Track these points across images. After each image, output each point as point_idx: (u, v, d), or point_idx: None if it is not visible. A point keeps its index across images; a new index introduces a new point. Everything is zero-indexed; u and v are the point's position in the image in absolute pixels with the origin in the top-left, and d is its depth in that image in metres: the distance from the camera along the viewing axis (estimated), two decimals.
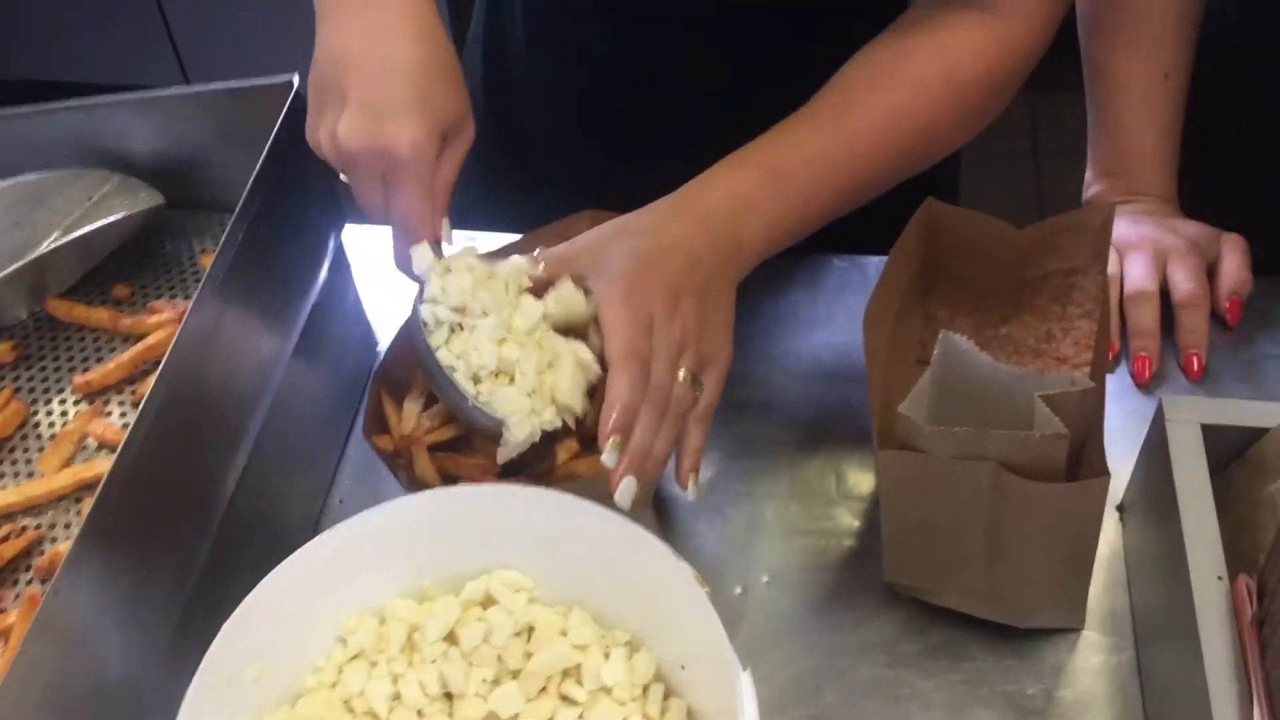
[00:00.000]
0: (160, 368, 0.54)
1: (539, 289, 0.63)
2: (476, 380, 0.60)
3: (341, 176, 0.64)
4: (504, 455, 0.60)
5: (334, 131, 0.62)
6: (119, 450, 0.51)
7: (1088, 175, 0.89)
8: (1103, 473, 0.57)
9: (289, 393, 0.68)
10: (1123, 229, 0.82)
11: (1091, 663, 0.66)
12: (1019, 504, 0.59)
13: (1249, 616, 0.55)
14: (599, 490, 0.59)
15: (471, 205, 0.87)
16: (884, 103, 0.69)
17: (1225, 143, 0.90)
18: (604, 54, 0.85)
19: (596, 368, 0.61)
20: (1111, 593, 0.68)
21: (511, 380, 0.59)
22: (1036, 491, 0.58)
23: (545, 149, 0.94)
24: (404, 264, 0.64)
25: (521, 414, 0.58)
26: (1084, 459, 0.60)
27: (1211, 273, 0.80)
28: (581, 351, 0.61)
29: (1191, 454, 0.62)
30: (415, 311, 0.62)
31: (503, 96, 0.93)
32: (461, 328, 0.61)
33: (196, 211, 0.76)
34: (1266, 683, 0.53)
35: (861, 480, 0.74)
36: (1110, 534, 0.71)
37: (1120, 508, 0.72)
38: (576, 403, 0.60)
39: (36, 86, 2.63)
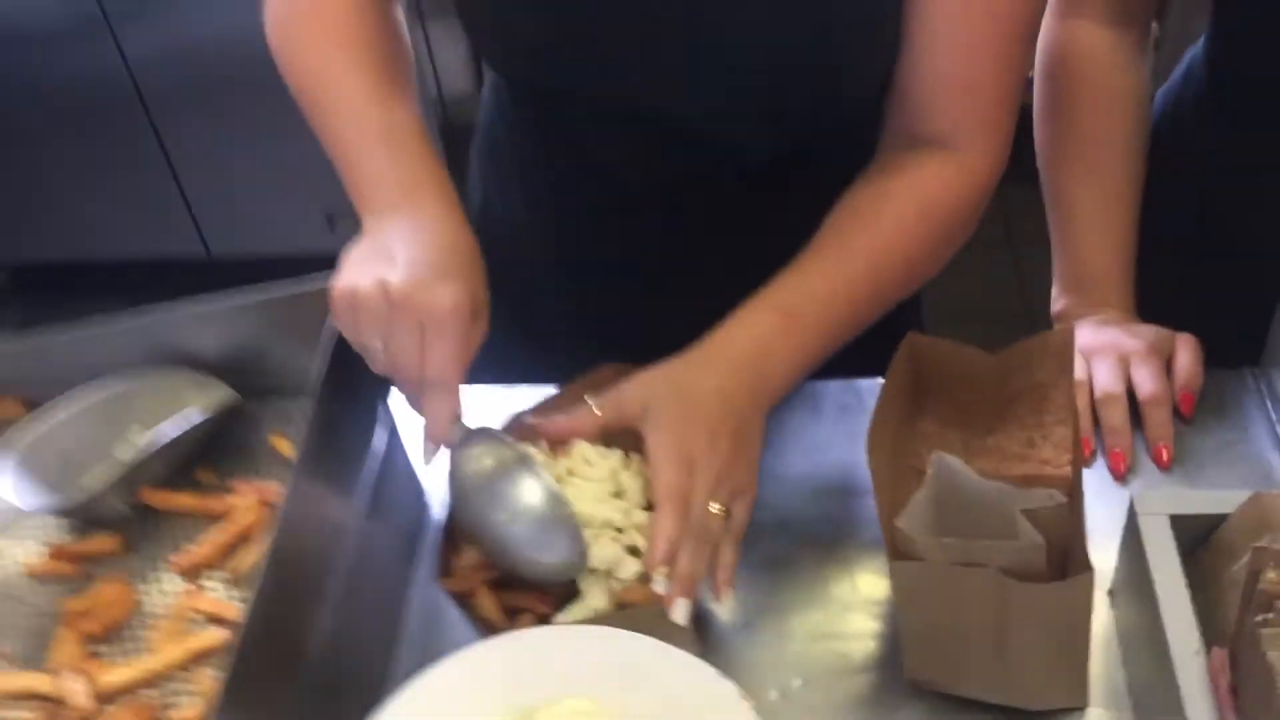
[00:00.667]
0: (270, 548, 0.63)
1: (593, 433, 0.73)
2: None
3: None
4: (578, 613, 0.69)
5: (386, 283, 0.68)
6: (245, 623, 0.59)
7: (1054, 290, 0.99)
8: (1086, 569, 0.66)
9: (359, 552, 0.76)
10: (1087, 337, 0.92)
11: None
12: (1017, 602, 0.67)
13: (1225, 684, 0.63)
14: (651, 616, 0.67)
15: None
16: (871, 243, 0.79)
17: (1173, 246, 1.00)
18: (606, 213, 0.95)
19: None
20: (1110, 671, 0.76)
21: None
22: (1030, 591, 0.66)
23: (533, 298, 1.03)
24: (435, 430, 0.71)
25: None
26: (1070, 558, 0.69)
27: (1168, 370, 0.89)
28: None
29: (1162, 543, 0.70)
30: (452, 479, 0.71)
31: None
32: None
33: (261, 398, 0.85)
34: None
35: (876, 586, 0.82)
36: (1104, 617, 0.79)
37: (1110, 592, 0.80)
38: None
39: (70, 268, 2.76)
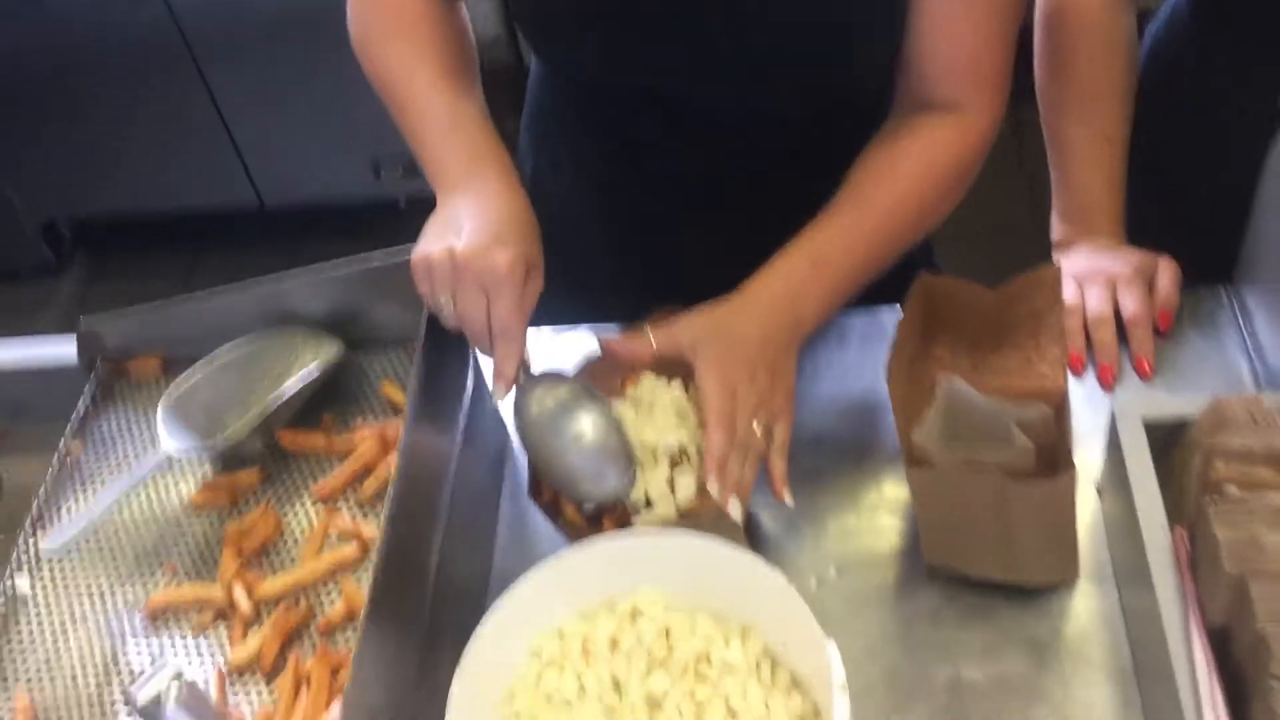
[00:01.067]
0: (397, 478, 0.77)
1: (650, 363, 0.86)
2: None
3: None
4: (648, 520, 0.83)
5: (453, 250, 0.80)
6: (382, 539, 0.74)
7: (1053, 218, 1.11)
8: (1069, 468, 0.79)
9: (460, 477, 0.90)
10: (1081, 264, 1.04)
11: (1087, 605, 0.87)
12: (1013, 497, 0.80)
13: (1184, 556, 0.77)
14: (710, 521, 0.82)
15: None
16: (887, 198, 0.92)
17: (1157, 177, 1.11)
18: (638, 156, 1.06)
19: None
20: (1097, 552, 0.90)
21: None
22: (1023, 487, 0.79)
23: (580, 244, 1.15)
24: (502, 374, 0.83)
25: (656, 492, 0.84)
26: (1058, 458, 0.82)
27: (1150, 291, 1.01)
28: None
29: (1137, 443, 0.83)
30: (517, 417, 0.84)
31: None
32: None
33: (367, 351, 0.99)
34: (1199, 600, 0.74)
35: (898, 490, 0.96)
36: (1093, 507, 0.92)
37: (1098, 488, 0.93)
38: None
39: (129, 220, 2.90)
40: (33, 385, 1.12)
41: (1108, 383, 0.99)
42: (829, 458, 0.99)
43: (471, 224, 0.83)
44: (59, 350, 1.15)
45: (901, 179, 0.92)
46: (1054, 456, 0.82)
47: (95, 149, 2.67)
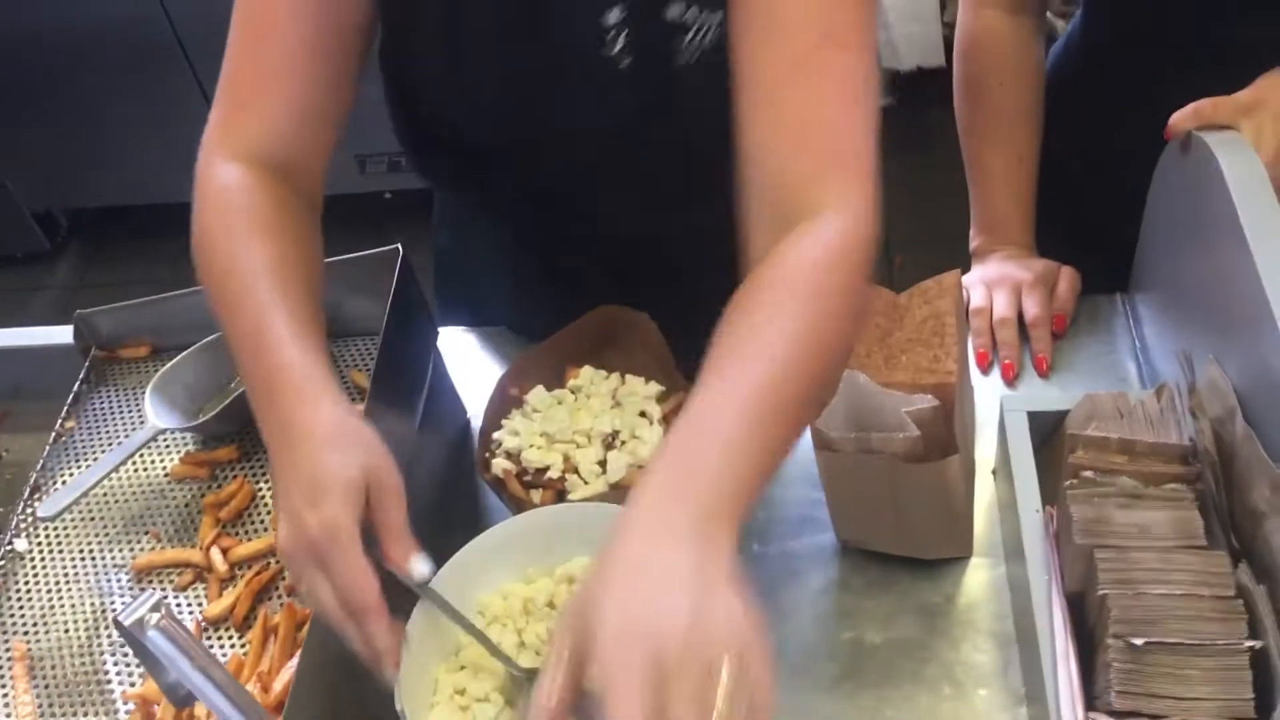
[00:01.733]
0: None
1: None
2: None
3: None
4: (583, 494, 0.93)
5: (279, 543, 0.71)
6: None
7: (971, 231, 1.21)
8: (952, 453, 0.89)
9: (420, 455, 1.00)
10: (992, 270, 1.14)
11: (979, 577, 0.97)
12: (905, 479, 0.90)
13: (1051, 532, 0.87)
14: None
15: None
16: (787, 331, 0.71)
17: (1061, 191, 1.22)
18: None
19: None
20: (991, 531, 1.00)
21: None
22: (912, 470, 0.90)
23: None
24: (374, 656, 0.72)
25: None
26: (947, 447, 0.92)
27: (1052, 295, 1.12)
28: None
29: (1019, 431, 0.94)
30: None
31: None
32: None
33: (340, 341, 1.09)
34: (1060, 570, 0.84)
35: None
36: (989, 488, 1.03)
37: (993, 471, 1.03)
38: None
39: (122, 211, 2.98)
40: (31, 368, 1.22)
41: (1009, 378, 1.09)
42: None
43: (281, 493, 0.73)
44: (56, 336, 1.25)
45: (797, 307, 0.72)
46: (944, 445, 0.92)
47: (90, 140, 2.76)
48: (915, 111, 2.50)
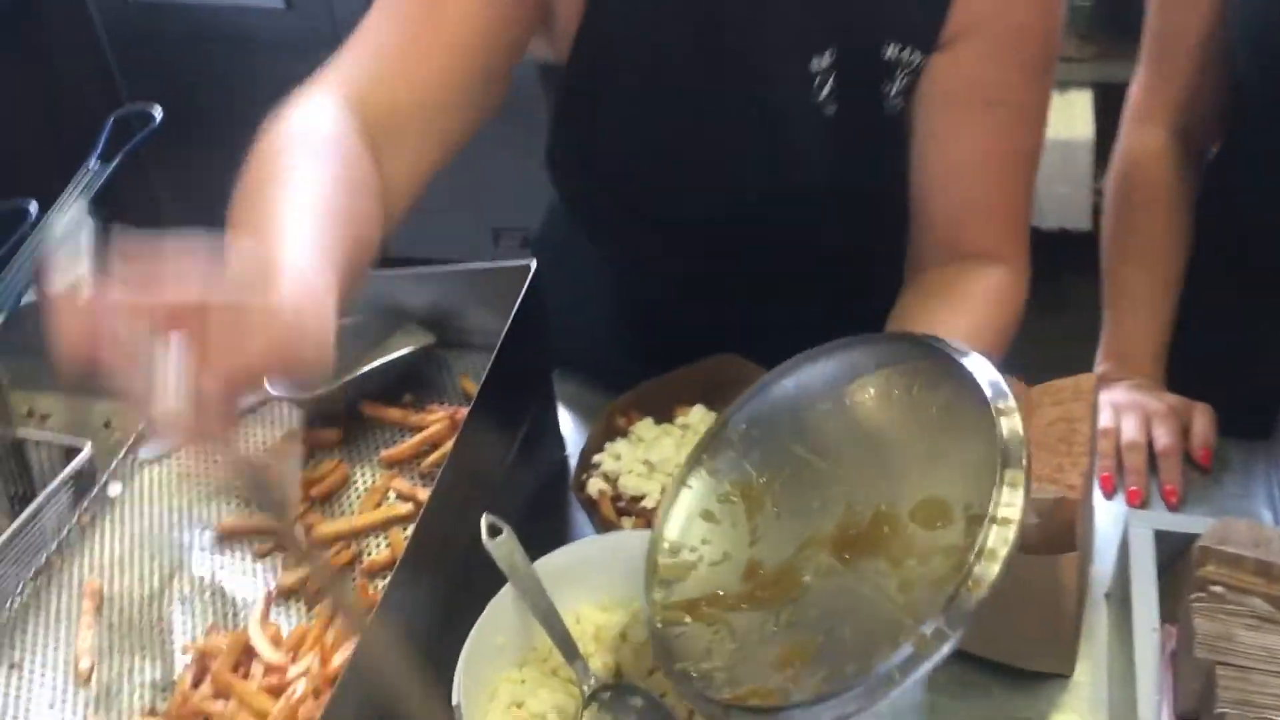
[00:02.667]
0: (452, 448, 0.86)
1: None
2: None
3: None
4: None
5: None
6: (428, 500, 0.82)
7: (1099, 355, 1.17)
8: (1072, 550, 0.84)
9: (509, 472, 0.98)
10: (1120, 396, 1.10)
11: (1078, 697, 0.90)
12: (1019, 572, 0.85)
13: (1169, 650, 0.81)
14: None
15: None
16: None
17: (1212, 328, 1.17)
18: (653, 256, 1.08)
19: None
20: (1097, 655, 0.93)
21: None
22: (1026, 562, 0.84)
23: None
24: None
25: None
26: (1064, 543, 0.87)
27: (1186, 432, 1.07)
28: None
29: (1144, 546, 0.88)
30: None
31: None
32: None
33: (452, 349, 1.09)
34: (1174, 691, 0.78)
35: None
36: (1102, 613, 0.96)
37: (1107, 595, 0.97)
38: None
39: None
40: None
41: (1135, 505, 1.04)
42: None
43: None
44: None
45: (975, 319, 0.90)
46: (1062, 541, 0.87)
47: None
48: (1053, 276, 2.46)
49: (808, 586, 0.72)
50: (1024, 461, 0.67)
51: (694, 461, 0.80)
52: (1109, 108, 2.03)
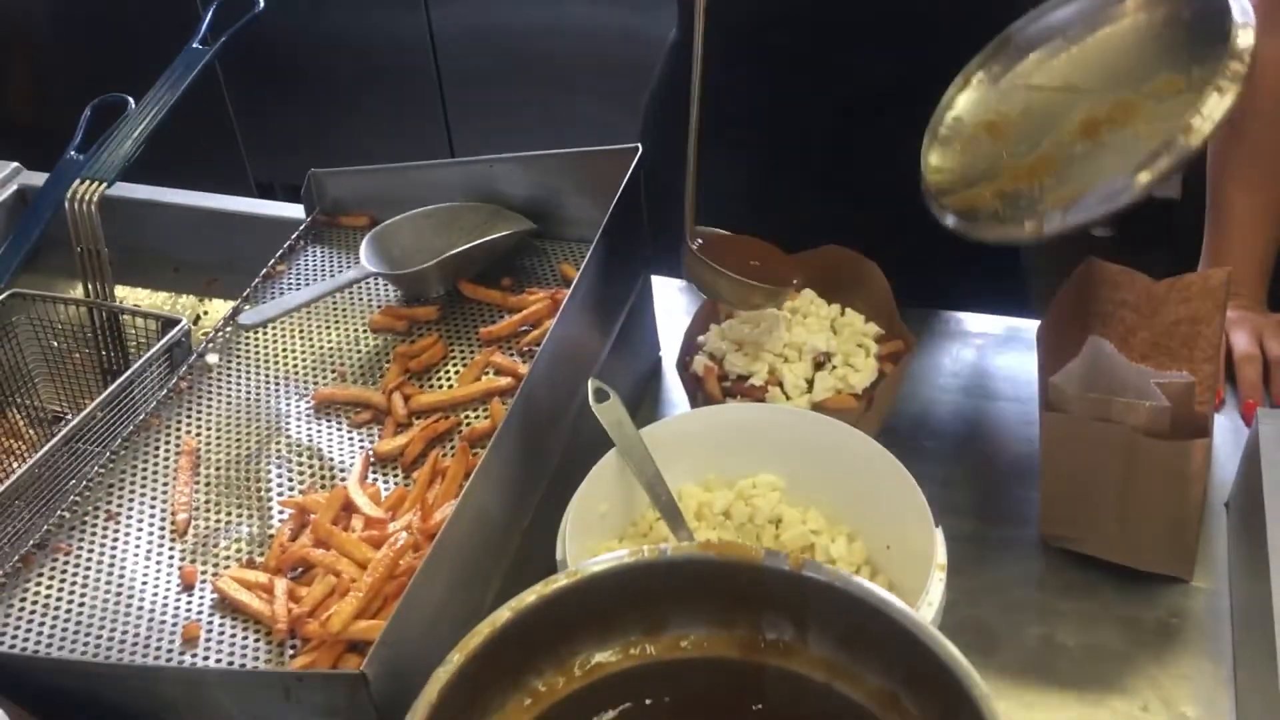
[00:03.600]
0: (554, 324, 0.84)
1: None
2: None
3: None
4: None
5: None
6: (532, 365, 0.81)
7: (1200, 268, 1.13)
8: (1204, 435, 0.81)
9: (605, 364, 0.96)
10: (1228, 313, 1.05)
11: (1195, 600, 0.87)
12: (1142, 458, 0.82)
13: None
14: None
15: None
16: None
17: None
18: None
19: None
20: (1216, 564, 0.89)
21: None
22: (1153, 447, 0.81)
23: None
24: None
25: None
26: (1196, 429, 0.83)
27: None
28: None
29: (1274, 441, 0.84)
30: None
31: None
32: None
33: (554, 239, 1.07)
34: None
35: (1033, 460, 0.97)
36: (1221, 522, 0.92)
37: (1226, 504, 0.93)
38: None
39: None
40: (246, 240, 1.24)
41: (1249, 418, 0.99)
42: (961, 421, 1.02)
43: None
44: (276, 209, 1.28)
45: None
46: (1194, 426, 0.83)
47: (327, 134, 2.87)
48: (1135, 251, 2.40)
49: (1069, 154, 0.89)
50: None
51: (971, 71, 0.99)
52: None
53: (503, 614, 0.60)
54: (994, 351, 1.10)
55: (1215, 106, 0.82)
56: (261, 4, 1.16)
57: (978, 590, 0.90)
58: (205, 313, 1.26)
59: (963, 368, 1.08)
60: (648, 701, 0.64)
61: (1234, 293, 1.08)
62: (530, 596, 0.61)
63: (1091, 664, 0.84)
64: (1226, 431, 0.99)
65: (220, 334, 0.98)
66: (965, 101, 1.00)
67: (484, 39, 2.56)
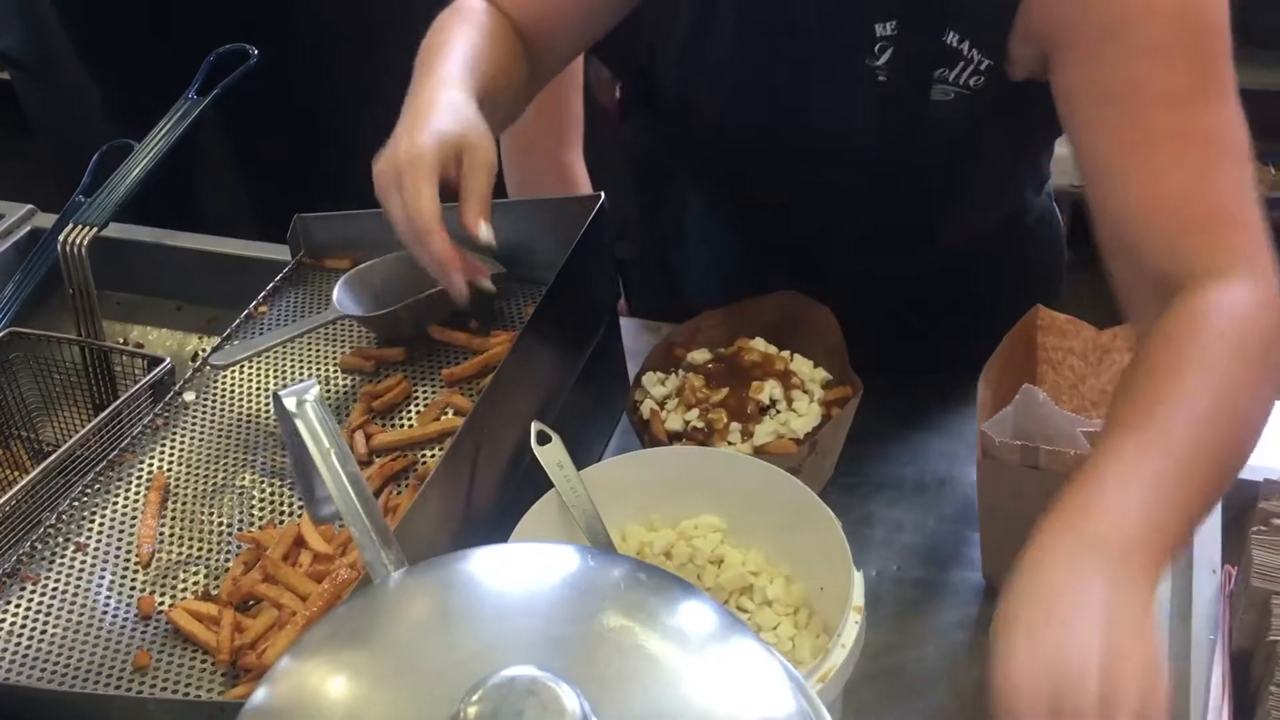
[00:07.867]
0: (498, 368, 0.87)
1: None
2: None
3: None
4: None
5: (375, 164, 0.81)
6: (479, 399, 0.84)
7: None
8: None
9: (567, 409, 0.99)
10: None
11: None
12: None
13: (1226, 593, 0.78)
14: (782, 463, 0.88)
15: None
16: (1196, 408, 0.69)
17: None
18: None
19: None
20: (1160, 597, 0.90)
21: None
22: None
23: None
24: (435, 268, 0.81)
25: None
26: None
27: None
28: None
29: None
30: None
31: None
32: None
33: (523, 281, 1.10)
34: (1229, 628, 0.75)
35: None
36: None
37: None
38: None
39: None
40: (247, 280, 1.28)
41: None
42: (913, 466, 1.04)
43: (402, 118, 0.83)
44: (273, 251, 1.32)
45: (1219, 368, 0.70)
46: None
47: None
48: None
49: None
50: None
51: None
52: None
53: None
54: (947, 394, 1.11)
55: None
56: (256, 55, 1.22)
57: (922, 633, 0.92)
58: (204, 350, 1.31)
59: (915, 412, 1.10)
60: None
61: None
62: None
63: None
64: None
65: (197, 373, 1.02)
66: None
67: None
